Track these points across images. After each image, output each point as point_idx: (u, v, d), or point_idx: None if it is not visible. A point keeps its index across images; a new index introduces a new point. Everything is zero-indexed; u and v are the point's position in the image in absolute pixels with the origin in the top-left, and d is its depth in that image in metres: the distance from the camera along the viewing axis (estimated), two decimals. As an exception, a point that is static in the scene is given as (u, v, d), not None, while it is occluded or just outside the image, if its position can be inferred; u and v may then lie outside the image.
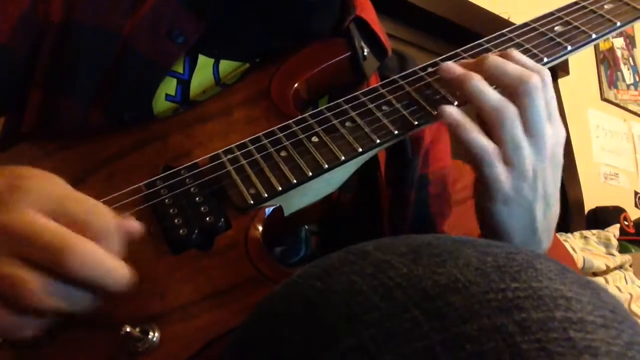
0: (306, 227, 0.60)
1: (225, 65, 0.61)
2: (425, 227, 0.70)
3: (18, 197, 0.36)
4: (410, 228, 0.67)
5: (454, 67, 0.51)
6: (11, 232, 0.35)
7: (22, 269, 0.34)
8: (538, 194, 0.49)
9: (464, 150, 0.49)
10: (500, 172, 0.47)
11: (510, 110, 0.47)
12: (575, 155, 2.11)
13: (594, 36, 0.59)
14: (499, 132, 0.47)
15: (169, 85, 0.59)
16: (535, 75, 0.48)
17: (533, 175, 0.48)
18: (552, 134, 0.49)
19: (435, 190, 0.71)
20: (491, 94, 0.48)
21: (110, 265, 0.36)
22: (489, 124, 0.48)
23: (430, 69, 0.57)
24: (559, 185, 0.52)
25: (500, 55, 0.51)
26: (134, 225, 0.40)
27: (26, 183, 0.37)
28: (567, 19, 0.61)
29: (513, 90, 0.48)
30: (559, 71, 2.11)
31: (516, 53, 0.51)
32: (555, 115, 0.50)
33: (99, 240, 0.36)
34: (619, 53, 2.52)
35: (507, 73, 0.49)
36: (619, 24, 0.60)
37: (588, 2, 0.63)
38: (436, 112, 0.52)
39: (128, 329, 0.39)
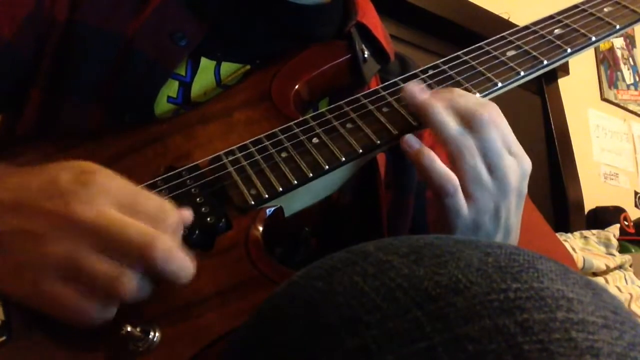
0: (306, 228, 0.60)
1: (227, 67, 0.61)
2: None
3: (93, 191, 0.37)
4: (409, 233, 0.67)
5: (417, 93, 0.51)
6: (96, 229, 0.36)
7: (116, 265, 0.36)
8: (500, 226, 0.49)
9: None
10: (461, 205, 0.47)
11: (469, 142, 0.47)
12: (575, 155, 2.11)
13: (593, 39, 0.59)
14: (458, 164, 0.47)
15: (171, 88, 0.59)
16: (485, 110, 0.48)
17: (495, 209, 0.48)
18: (515, 168, 0.48)
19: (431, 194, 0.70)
20: (452, 125, 0.48)
21: (183, 260, 0.38)
22: (449, 156, 0.48)
23: (431, 72, 0.57)
24: (521, 213, 0.51)
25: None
26: (189, 216, 0.43)
27: (96, 178, 0.38)
28: (566, 22, 0.61)
29: (468, 124, 0.48)
30: (559, 71, 2.11)
31: (460, 91, 0.51)
32: (516, 148, 0.49)
33: (172, 235, 0.39)
34: (619, 53, 2.52)
35: (460, 107, 0.48)
36: (618, 27, 0.60)
37: (588, 5, 0.63)
38: None
39: (129, 329, 0.39)
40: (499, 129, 0.48)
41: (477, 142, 0.47)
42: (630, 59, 2.57)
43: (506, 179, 0.48)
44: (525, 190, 0.50)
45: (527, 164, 0.50)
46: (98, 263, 0.36)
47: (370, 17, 0.66)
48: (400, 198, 0.66)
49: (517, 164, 0.49)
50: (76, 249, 0.36)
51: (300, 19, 0.63)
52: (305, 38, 0.63)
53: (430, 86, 0.55)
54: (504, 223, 0.49)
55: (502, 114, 0.49)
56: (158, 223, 0.38)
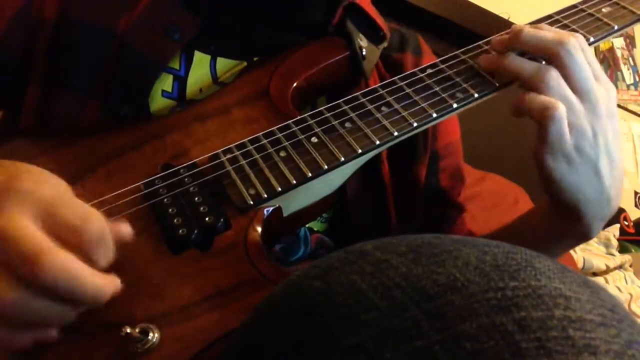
0: (306, 226, 0.60)
1: (223, 63, 0.61)
2: (436, 202, 0.70)
3: (9, 198, 0.35)
4: (419, 208, 0.67)
5: (495, 44, 0.56)
6: None
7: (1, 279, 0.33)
8: (600, 150, 0.52)
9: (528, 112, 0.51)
10: (565, 131, 0.50)
11: (550, 71, 0.50)
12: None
13: (591, 40, 0.59)
14: (547, 94, 0.50)
15: (165, 82, 0.59)
16: (570, 36, 0.51)
17: (592, 132, 0.51)
18: (603, 92, 0.52)
19: (445, 164, 0.71)
20: (528, 62, 0.52)
21: (85, 278, 0.35)
22: (535, 91, 0.51)
23: (429, 70, 0.57)
24: (619, 143, 0.54)
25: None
26: (125, 229, 0.39)
27: (21, 184, 0.36)
28: (565, 22, 0.61)
29: (551, 53, 0.51)
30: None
31: (546, 26, 0.56)
32: (601, 75, 0.53)
33: (91, 248, 0.36)
34: (619, 53, 2.52)
35: (544, 38, 0.52)
36: (616, 27, 0.60)
37: (586, 5, 0.63)
38: (435, 114, 0.52)
39: (128, 330, 0.39)
40: (586, 56, 0.51)
41: (560, 70, 0.50)
42: (630, 59, 2.57)
43: (597, 102, 0.51)
44: (617, 113, 0.53)
45: (613, 89, 0.53)
46: None
47: None
48: (408, 169, 0.66)
49: (604, 89, 0.52)
50: None
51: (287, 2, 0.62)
52: (298, 26, 0.63)
53: (429, 85, 0.55)
54: (605, 147, 0.52)
55: (587, 45, 0.53)
56: (77, 234, 0.35)
